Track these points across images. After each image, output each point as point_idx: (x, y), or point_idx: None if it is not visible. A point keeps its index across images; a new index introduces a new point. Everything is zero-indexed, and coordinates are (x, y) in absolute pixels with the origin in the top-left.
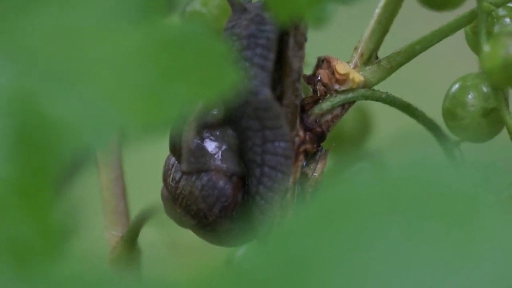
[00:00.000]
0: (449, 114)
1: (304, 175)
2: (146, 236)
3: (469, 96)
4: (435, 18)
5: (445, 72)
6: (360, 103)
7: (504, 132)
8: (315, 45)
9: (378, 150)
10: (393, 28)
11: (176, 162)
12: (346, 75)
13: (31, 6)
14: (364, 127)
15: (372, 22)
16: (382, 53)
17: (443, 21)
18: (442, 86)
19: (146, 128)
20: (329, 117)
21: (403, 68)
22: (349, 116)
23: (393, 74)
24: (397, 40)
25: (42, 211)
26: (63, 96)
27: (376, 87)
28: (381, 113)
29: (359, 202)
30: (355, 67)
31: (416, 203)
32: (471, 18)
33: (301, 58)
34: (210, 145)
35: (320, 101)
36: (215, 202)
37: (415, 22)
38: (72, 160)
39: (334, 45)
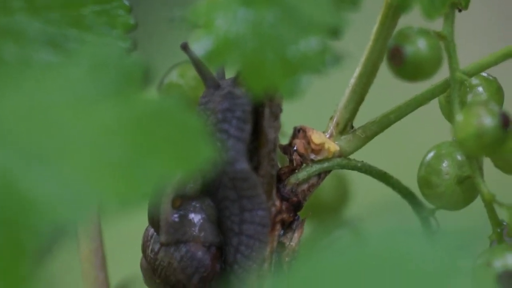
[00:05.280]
0: (424, 182)
1: (281, 244)
2: None
3: (444, 164)
4: (410, 86)
5: (420, 140)
6: (337, 171)
7: (479, 199)
8: (291, 115)
9: (355, 218)
10: (368, 97)
11: (155, 233)
12: (322, 144)
13: (6, 83)
14: (341, 195)
15: (347, 92)
16: (358, 122)
17: (418, 90)
18: (417, 154)
19: (122, 203)
20: (305, 186)
21: (378, 136)
22: (326, 184)
23: (369, 143)
24: (372, 109)
25: (19, 286)
26: (40, 173)
27: (352, 156)
28: (358, 180)
29: (335, 273)
30: (330, 136)
31: (391, 274)
32: (444, 87)
33: (277, 128)
34: (188, 217)
35: (296, 170)
36: (194, 273)
37: (390, 91)
38: (50, 233)
39: (310, 115)
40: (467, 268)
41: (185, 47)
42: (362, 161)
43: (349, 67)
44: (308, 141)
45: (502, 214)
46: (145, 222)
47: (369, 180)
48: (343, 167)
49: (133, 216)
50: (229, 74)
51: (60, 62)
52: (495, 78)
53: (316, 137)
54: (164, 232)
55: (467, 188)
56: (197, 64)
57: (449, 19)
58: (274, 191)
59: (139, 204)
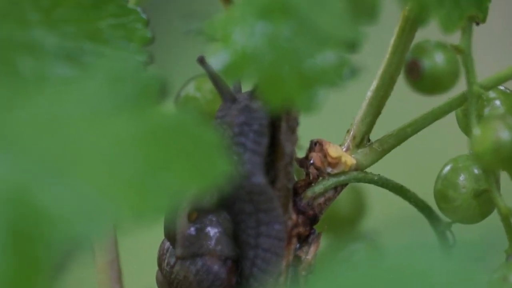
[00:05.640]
0: (441, 195)
1: (297, 258)
2: None
3: (461, 178)
4: (427, 99)
5: (436, 154)
6: (354, 184)
7: (495, 213)
8: (308, 128)
9: (371, 232)
10: (384, 110)
11: (171, 246)
12: (338, 158)
13: (23, 96)
14: (357, 208)
15: (364, 105)
16: (374, 135)
17: (434, 103)
18: (434, 167)
19: (138, 217)
20: (321, 199)
21: (395, 149)
22: (343, 197)
23: (386, 156)
24: (389, 122)
25: None
26: (56, 188)
27: (368, 169)
28: (374, 194)
29: (351, 287)
30: (347, 150)
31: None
32: (461, 101)
33: (294, 142)
34: (204, 230)
35: (313, 184)
36: (210, 287)
37: (407, 104)
38: (66, 247)
39: (327, 128)
40: (483, 282)
41: (201, 61)
42: (379, 174)
43: (366, 80)
44: (325, 155)
45: None
46: (161, 235)
47: (386, 193)
48: (359, 180)
49: (149, 229)
50: (246, 88)
51: (77, 76)
52: None
53: (333, 151)
54: (180, 245)
55: (483, 202)
56: (214, 78)
57: (467, 33)
58: (291, 205)
59: (155, 217)
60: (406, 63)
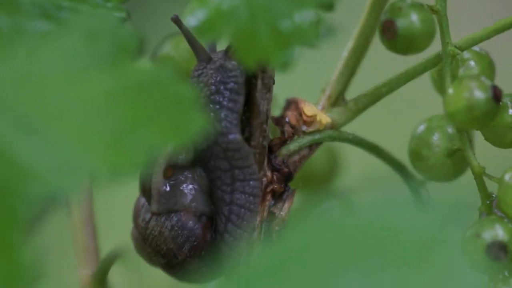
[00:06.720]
0: (415, 154)
1: (271, 214)
2: (116, 274)
3: (434, 137)
4: (402, 59)
5: (411, 113)
6: (328, 143)
7: (469, 172)
8: (284, 87)
9: (346, 190)
10: (360, 70)
11: (146, 203)
12: (314, 116)
13: (0, 53)
14: (332, 167)
15: (339, 65)
16: (349, 95)
17: (409, 63)
18: (408, 127)
19: (114, 172)
20: (296, 157)
21: (370, 109)
22: (317, 156)
23: (361, 116)
24: (364, 82)
25: (10, 253)
26: (32, 142)
27: (343, 128)
28: (349, 153)
29: (324, 243)
30: (322, 108)
31: (380, 244)
32: (436, 61)
33: (269, 100)
34: (180, 186)
35: (288, 142)
36: (185, 242)
37: (382, 64)
38: (42, 201)
39: (303, 87)
40: (456, 239)
41: (176, 20)
42: (354, 133)
43: (342, 40)
44: (300, 113)
45: (491, 186)
46: (137, 192)
47: (360, 152)
48: (334, 139)
49: (124, 186)
50: (221, 48)
51: (53, 32)
52: (487, 52)
53: (308, 109)
54: (155, 201)
55: (457, 161)
56: (189, 38)
57: None
58: (266, 162)
59: (131, 173)
60: (381, 23)
